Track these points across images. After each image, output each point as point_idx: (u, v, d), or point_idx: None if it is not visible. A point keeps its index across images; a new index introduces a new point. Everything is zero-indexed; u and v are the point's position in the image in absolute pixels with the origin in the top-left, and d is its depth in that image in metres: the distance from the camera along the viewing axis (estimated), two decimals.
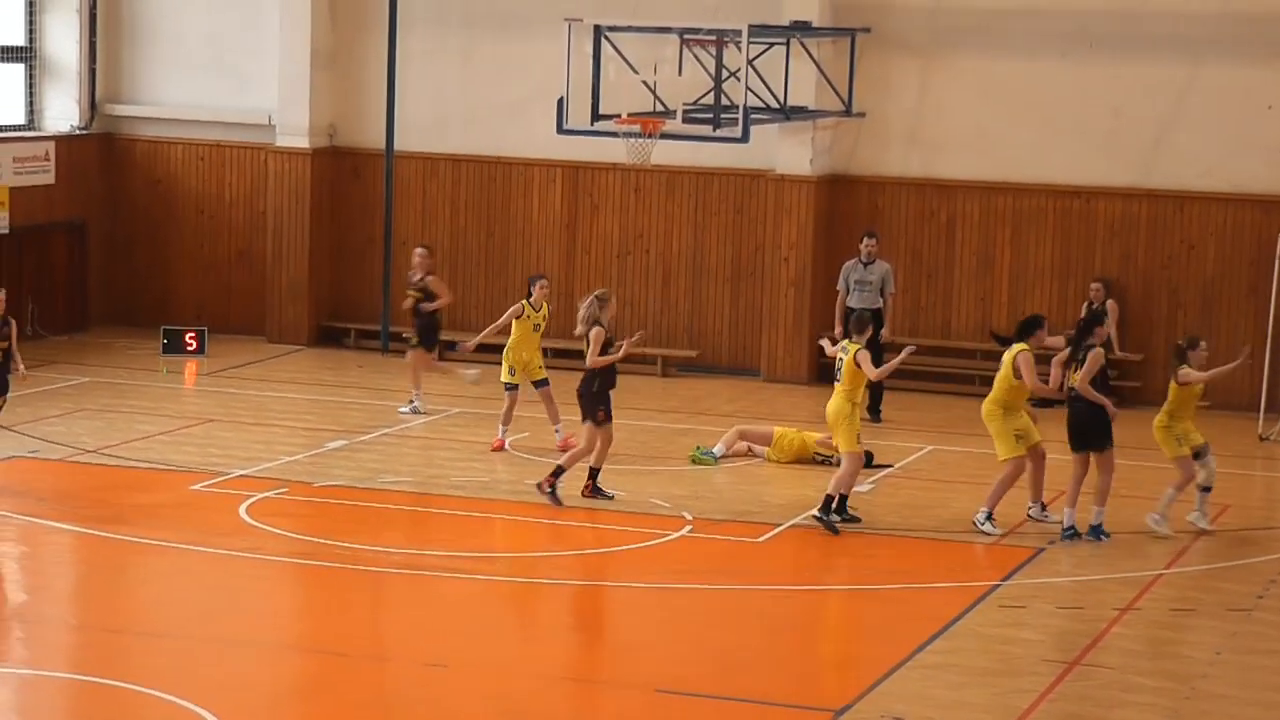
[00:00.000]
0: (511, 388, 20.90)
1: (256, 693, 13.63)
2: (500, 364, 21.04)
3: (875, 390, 22.65)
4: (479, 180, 27.22)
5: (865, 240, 23.53)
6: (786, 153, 25.55)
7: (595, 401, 18.57)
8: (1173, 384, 18.10)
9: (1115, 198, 24.86)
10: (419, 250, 23.20)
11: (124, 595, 16.23)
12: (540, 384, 20.98)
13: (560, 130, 22.43)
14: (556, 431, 20.95)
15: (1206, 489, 18.21)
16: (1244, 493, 20.12)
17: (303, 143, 27.29)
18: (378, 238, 27.48)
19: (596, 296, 18.88)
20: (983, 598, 16.02)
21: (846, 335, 19.14)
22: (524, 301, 20.99)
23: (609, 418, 18.60)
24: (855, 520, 18.18)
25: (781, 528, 18.21)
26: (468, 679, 14.08)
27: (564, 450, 20.00)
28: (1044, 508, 18.38)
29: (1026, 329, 18.27)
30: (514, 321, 20.89)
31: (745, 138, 22.01)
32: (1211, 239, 24.58)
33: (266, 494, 18.79)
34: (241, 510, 18.14)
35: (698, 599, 16.06)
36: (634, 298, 26.66)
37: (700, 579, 16.52)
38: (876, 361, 18.95)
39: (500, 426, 20.88)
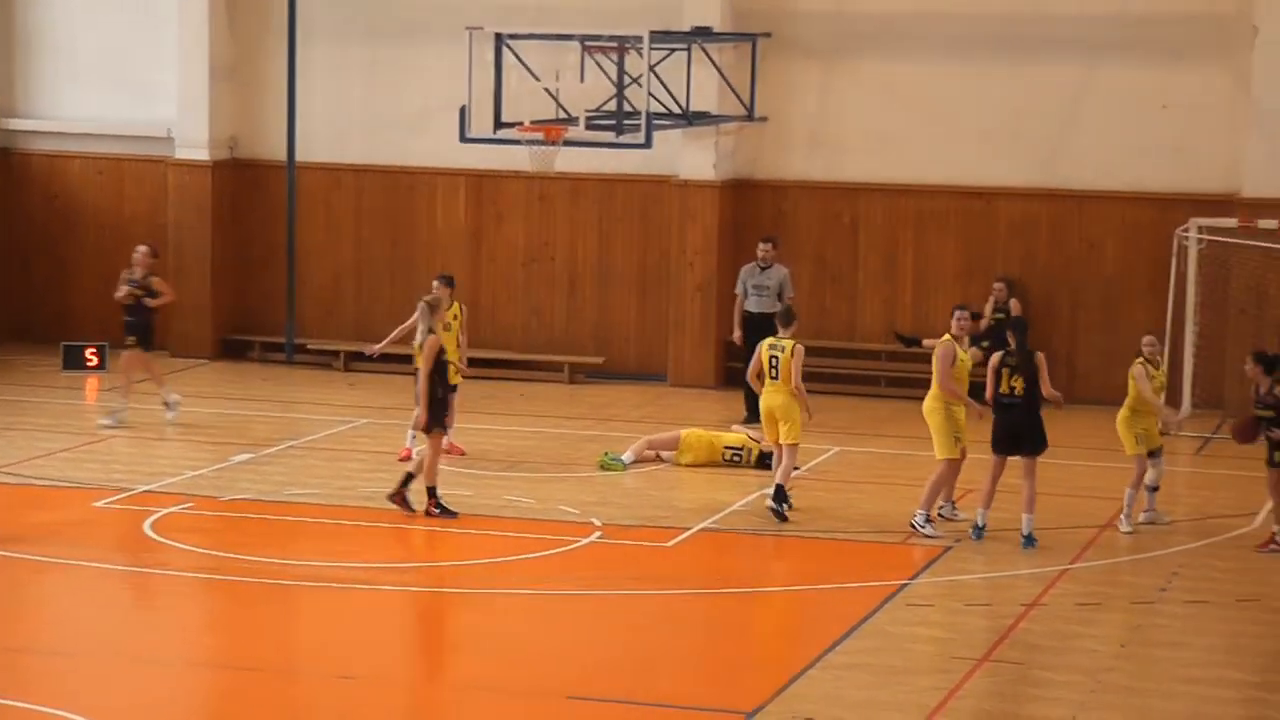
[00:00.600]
0: None
1: (166, 711, 13.55)
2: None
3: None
4: (383, 190, 27.16)
5: (762, 245, 23.63)
6: (690, 158, 25.64)
7: (441, 409, 18.62)
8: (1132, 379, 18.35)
9: (1016, 198, 25.09)
10: (141, 249, 23.07)
11: (27, 614, 16.07)
12: (451, 390, 20.89)
13: (463, 139, 22.45)
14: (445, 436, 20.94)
15: (1154, 489, 18.40)
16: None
17: (203, 155, 27.13)
18: (281, 249, 27.36)
19: (427, 302, 18.80)
20: (891, 597, 16.13)
21: (760, 336, 19.45)
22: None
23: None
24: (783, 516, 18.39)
25: (691, 531, 18.28)
26: (378, 691, 14.05)
27: (449, 452, 20.44)
28: (954, 505, 18.52)
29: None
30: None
31: (648, 144, 22.08)
32: (1111, 238, 24.85)
33: (172, 509, 18.68)
34: (146, 526, 18.02)
35: (608, 605, 16.10)
36: (540, 305, 26.67)
37: (610, 585, 16.55)
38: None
39: (409, 433, 20.83)
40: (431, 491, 18.34)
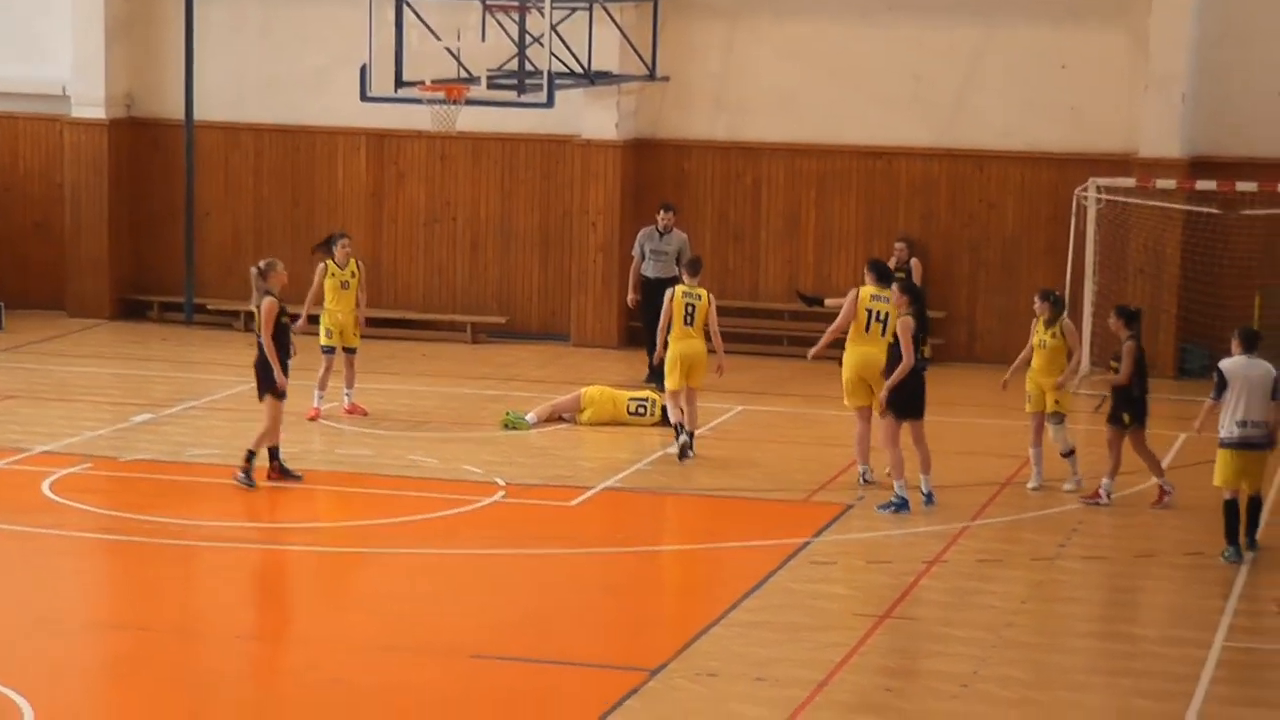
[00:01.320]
0: (328, 350, 20.79)
1: (66, 672, 13.44)
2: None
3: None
4: (282, 149, 26.95)
5: (662, 212, 23.61)
6: (592, 118, 25.58)
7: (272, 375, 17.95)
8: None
9: (916, 158, 25.20)
10: None
11: None
12: (349, 351, 20.89)
13: (364, 98, 22.27)
14: (346, 395, 20.89)
15: (1066, 454, 18.44)
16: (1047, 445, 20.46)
17: (99, 113, 26.82)
18: (179, 209, 27.12)
19: (258, 268, 18.19)
20: (793, 555, 16.20)
21: (655, 302, 19.60)
22: (327, 261, 20.97)
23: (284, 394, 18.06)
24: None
25: (594, 490, 18.28)
26: (279, 651, 13.99)
27: (351, 412, 20.60)
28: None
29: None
30: (325, 283, 20.85)
31: (550, 103, 22.01)
32: (1010, 197, 25.00)
33: (70, 469, 18.51)
34: (45, 486, 17.86)
35: (511, 564, 16.09)
36: (443, 265, 26.57)
37: (514, 544, 16.54)
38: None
39: (316, 393, 20.75)
40: (275, 453, 18.11)
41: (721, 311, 21.38)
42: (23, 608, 14.66)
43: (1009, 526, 17.33)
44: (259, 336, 17.87)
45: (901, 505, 17.48)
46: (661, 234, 23.49)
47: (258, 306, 17.97)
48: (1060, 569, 16.08)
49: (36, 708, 12.31)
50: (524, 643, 13.99)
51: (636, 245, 23.70)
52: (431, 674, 13.50)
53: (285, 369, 17.96)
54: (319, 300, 21.05)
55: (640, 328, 24.11)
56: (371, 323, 22.45)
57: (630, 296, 23.59)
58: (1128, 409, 17.89)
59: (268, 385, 17.92)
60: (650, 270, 23.32)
